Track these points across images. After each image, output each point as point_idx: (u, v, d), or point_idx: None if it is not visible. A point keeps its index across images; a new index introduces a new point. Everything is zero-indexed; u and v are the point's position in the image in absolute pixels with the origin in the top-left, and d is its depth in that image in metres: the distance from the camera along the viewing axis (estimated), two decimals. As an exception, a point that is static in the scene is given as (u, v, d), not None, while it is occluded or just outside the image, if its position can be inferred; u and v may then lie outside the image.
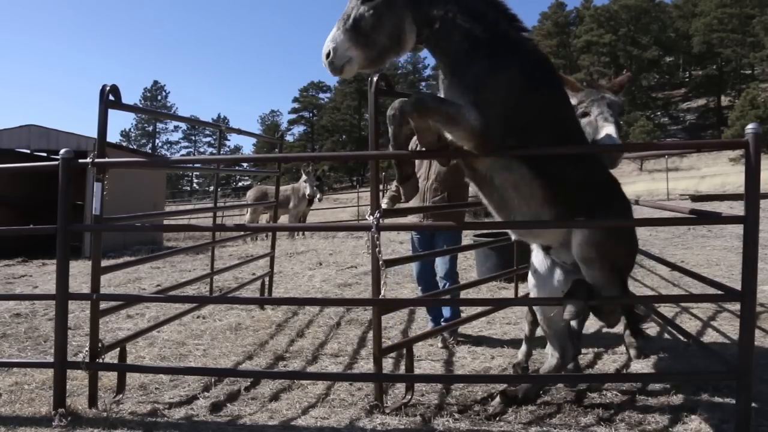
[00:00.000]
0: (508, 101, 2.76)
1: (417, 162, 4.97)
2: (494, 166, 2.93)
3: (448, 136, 2.92)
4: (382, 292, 3.35)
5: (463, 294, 4.99)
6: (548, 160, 2.90)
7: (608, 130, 3.19)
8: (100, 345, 3.53)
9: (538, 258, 3.56)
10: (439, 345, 4.79)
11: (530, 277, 3.64)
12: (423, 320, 5.63)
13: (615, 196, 3.17)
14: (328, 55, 2.69)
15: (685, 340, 3.89)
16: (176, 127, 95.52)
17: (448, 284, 4.83)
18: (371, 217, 3.09)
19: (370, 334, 5.20)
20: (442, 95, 2.94)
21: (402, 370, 4.17)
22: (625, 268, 3.25)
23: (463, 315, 4.82)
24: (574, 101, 3.44)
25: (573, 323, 3.72)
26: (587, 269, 3.05)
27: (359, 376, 4.01)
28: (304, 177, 14.65)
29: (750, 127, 2.89)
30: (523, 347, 4.14)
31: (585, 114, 3.34)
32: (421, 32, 2.81)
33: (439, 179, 4.84)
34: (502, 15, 2.89)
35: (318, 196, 14.93)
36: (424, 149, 3.14)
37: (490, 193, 3.09)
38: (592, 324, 4.74)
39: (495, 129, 2.74)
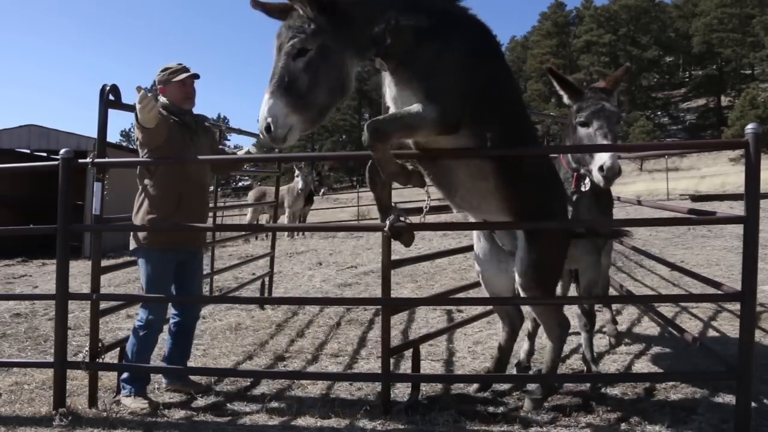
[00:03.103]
0: (461, 78, 2.68)
1: None
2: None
3: (410, 140, 2.86)
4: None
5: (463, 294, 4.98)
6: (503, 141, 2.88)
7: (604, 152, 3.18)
8: (100, 345, 3.53)
9: (480, 245, 3.66)
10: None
11: (476, 265, 3.74)
12: (423, 320, 5.64)
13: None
14: (267, 128, 2.39)
15: (685, 339, 3.88)
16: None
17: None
18: (387, 221, 2.96)
19: (370, 334, 5.21)
20: (388, 93, 2.84)
21: (402, 370, 4.18)
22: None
23: (464, 315, 4.81)
24: (573, 106, 3.41)
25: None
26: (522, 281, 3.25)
27: (363, 375, 4.01)
28: (296, 172, 14.20)
29: (750, 127, 2.90)
30: (525, 345, 4.14)
31: (584, 124, 3.31)
32: (365, 59, 2.65)
33: None
34: None
35: (318, 192, 14.82)
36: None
37: (444, 175, 3.01)
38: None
39: (454, 111, 2.68)
